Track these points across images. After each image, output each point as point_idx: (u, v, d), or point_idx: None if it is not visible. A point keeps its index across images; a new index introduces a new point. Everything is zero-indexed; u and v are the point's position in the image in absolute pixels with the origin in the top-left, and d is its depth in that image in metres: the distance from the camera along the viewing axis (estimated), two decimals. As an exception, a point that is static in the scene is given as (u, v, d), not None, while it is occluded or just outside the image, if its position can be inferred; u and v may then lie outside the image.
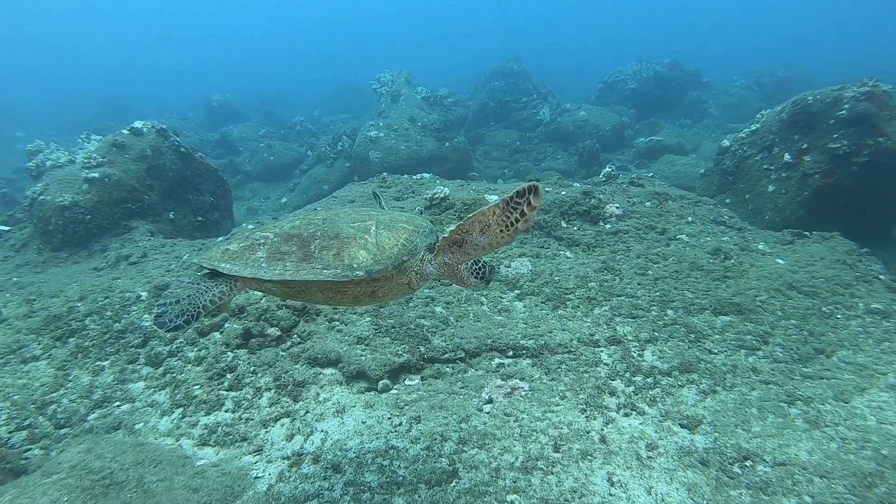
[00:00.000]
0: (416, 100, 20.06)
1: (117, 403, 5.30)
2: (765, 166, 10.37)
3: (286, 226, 3.25)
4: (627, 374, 5.19)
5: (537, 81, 23.93)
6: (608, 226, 7.61)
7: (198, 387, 5.35)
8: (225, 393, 5.27)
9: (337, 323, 5.96)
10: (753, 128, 10.89)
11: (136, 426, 5.00)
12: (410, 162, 16.64)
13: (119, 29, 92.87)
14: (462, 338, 5.67)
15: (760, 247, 7.33)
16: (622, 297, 6.27)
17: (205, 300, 3.01)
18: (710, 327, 5.87)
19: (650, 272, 6.74)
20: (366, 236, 3.08)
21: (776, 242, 7.61)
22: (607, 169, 9.49)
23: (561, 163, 18.57)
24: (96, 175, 9.25)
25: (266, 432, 4.75)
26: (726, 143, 11.36)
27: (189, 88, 46.69)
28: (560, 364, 5.32)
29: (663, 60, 27.03)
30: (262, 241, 3.12)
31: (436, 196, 7.76)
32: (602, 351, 5.50)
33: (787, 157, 9.94)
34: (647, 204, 8.10)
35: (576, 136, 19.86)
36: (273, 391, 5.19)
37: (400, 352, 5.51)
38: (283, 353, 5.63)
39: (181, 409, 5.13)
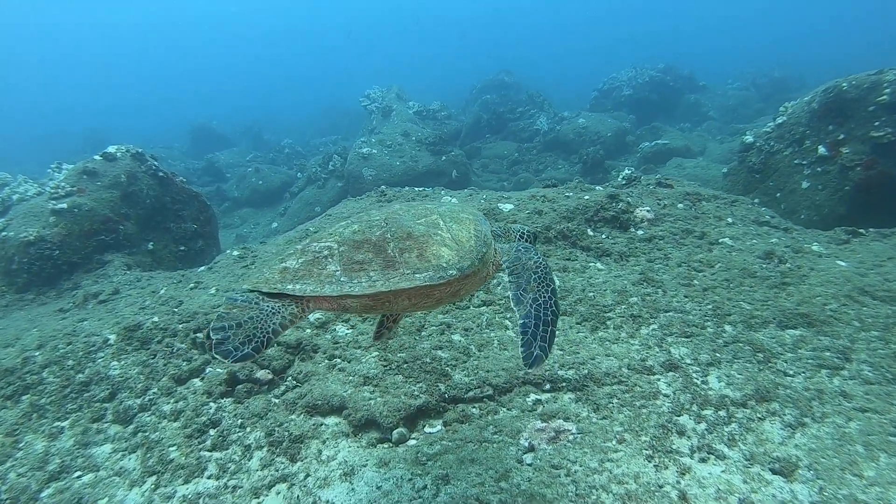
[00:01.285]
0: (408, 114, 19.29)
1: (77, 474, 4.35)
2: (796, 161, 9.53)
3: (345, 232, 2.95)
4: (694, 408, 4.28)
5: (532, 91, 23.22)
6: (640, 232, 6.75)
7: (174, 448, 4.41)
8: (207, 454, 4.33)
9: (338, 360, 5.06)
10: (779, 121, 10.06)
11: (100, 503, 4.06)
12: (406, 178, 15.79)
13: (99, 62, 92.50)
14: (488, 371, 4.76)
15: (815, 248, 6.46)
16: (670, 313, 5.38)
17: (273, 324, 2.60)
18: (779, 344, 4.98)
19: (696, 282, 5.87)
20: (439, 232, 2.93)
21: (829, 242, 6.75)
22: (626, 171, 8.66)
23: (563, 172, 17.75)
24: (65, 206, 8.34)
25: (258, 505, 3.82)
26: (749, 138, 10.54)
27: (175, 119, 45.95)
28: (611, 398, 4.41)
29: (658, 65, 26.45)
30: (327, 252, 2.82)
31: (443, 208, 6.89)
32: (659, 379, 4.60)
33: (821, 149, 9.10)
34: (680, 206, 7.25)
35: (577, 144, 19.08)
36: (265, 449, 4.26)
37: (416, 392, 4.60)
38: (276, 401, 4.71)
39: (154, 478, 4.19)
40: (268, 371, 4.98)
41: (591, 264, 6.21)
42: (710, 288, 5.74)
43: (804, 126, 9.58)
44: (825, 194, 8.94)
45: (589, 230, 6.71)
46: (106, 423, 4.81)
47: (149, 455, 4.37)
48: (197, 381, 5.03)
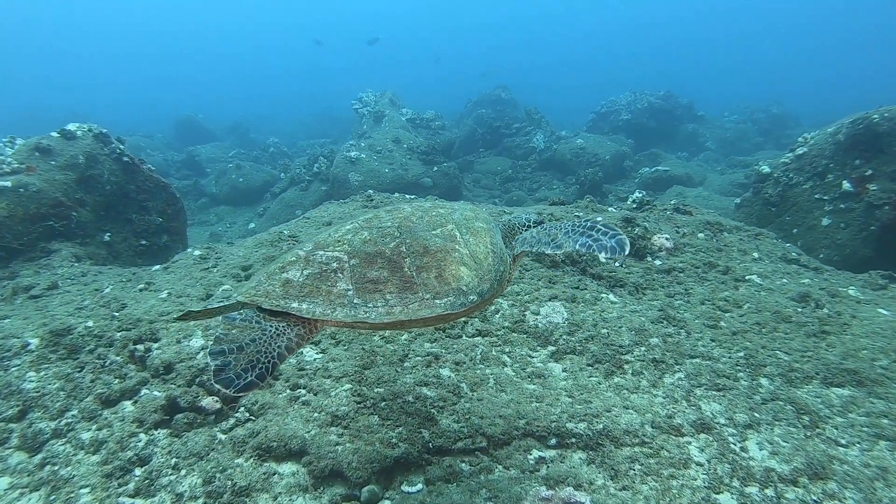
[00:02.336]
0: (400, 121, 18.50)
1: (-43, 515, 3.44)
2: (816, 196, 8.87)
3: (354, 241, 2.69)
4: (736, 483, 3.49)
5: (530, 107, 22.55)
6: (658, 261, 5.99)
7: (87, 490, 3.53)
8: (128, 501, 3.44)
9: (303, 391, 4.20)
10: (799, 152, 9.41)
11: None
12: (394, 186, 14.95)
13: (92, 49, 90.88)
14: (482, 416, 3.94)
15: (851, 293, 5.75)
16: (697, 360, 4.60)
17: (279, 347, 2.37)
18: (826, 405, 4.22)
19: (723, 324, 5.11)
20: (457, 247, 2.72)
21: (865, 287, 6.05)
22: (637, 195, 7.93)
23: (557, 192, 17.03)
24: (8, 184, 7.37)
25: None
26: (766, 168, 9.88)
27: (163, 109, 44.66)
28: (632, 463, 3.61)
29: (658, 92, 26.01)
30: (336, 264, 2.56)
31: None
32: (689, 442, 3.80)
33: (845, 185, 8.44)
34: (700, 235, 6.51)
35: (573, 165, 18.39)
36: (200, 501, 3.38)
37: (394, 438, 3.76)
38: (223, 437, 3.83)
39: (54, 530, 3.30)
40: (216, 399, 4.10)
41: (603, 295, 5.43)
42: (739, 332, 4.98)
43: (827, 159, 8.92)
44: (848, 233, 8.27)
45: (601, 256, 5.94)
46: (9, 448, 3.89)
47: (53, 497, 3.47)
48: (128, 405, 4.13)
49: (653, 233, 6.20)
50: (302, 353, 4.71)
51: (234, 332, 2.37)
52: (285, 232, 6.57)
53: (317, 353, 4.72)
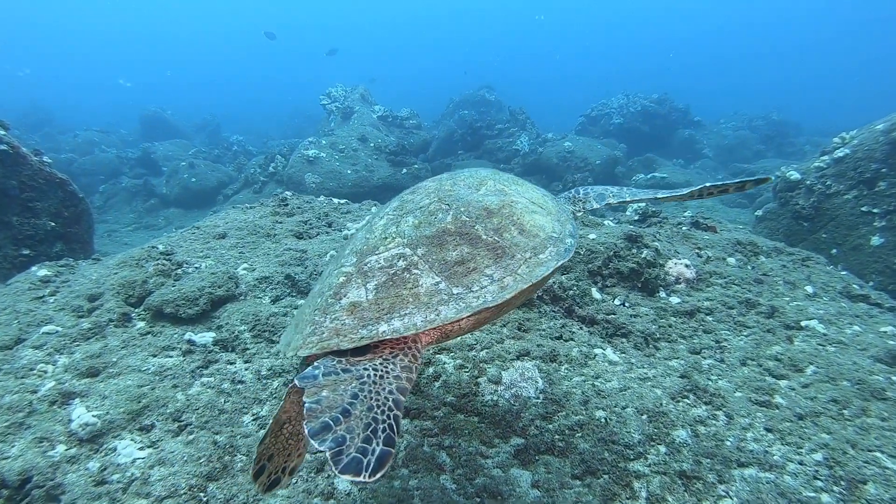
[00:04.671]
0: (370, 118, 16.66)
1: None
2: (863, 209, 7.14)
3: (405, 230, 2.23)
4: None
5: (514, 107, 20.76)
6: (675, 299, 4.23)
7: None
8: None
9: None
10: (839, 154, 7.66)
11: None
12: (357, 190, 13.15)
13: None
14: None
15: (955, 347, 4.01)
16: (750, 470, 2.83)
17: (390, 394, 1.77)
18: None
19: (780, 399, 3.35)
20: (514, 198, 2.39)
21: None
22: (638, 204, 6.16)
23: (543, 200, 15.26)
24: None
25: None
26: (795, 175, 8.12)
27: (135, 106, 42.56)
28: None
29: (651, 95, 24.30)
30: (402, 262, 2.08)
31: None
32: None
33: (901, 195, 6.74)
34: (731, 260, 4.76)
35: (560, 170, 16.60)
36: None
37: None
38: None
39: None
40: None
41: (597, 351, 3.65)
42: (808, 415, 3.22)
43: (878, 162, 7.18)
44: (906, 256, 6.55)
45: (594, 290, 4.18)
46: None
47: None
48: None
49: (667, 257, 4.44)
50: (114, 446, 2.93)
51: (324, 394, 1.71)
52: (159, 247, 4.75)
53: (137, 448, 2.92)
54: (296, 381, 1.81)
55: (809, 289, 4.51)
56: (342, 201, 6.07)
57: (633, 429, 3.03)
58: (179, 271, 4.38)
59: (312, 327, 2.02)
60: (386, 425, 1.69)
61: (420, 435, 3.08)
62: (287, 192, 6.12)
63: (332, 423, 1.64)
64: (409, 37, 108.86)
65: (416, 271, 2.05)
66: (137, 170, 21.12)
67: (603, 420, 3.08)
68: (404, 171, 14.13)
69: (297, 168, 13.51)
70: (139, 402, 3.19)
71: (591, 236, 4.60)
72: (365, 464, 1.56)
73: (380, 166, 14.13)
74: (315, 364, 1.88)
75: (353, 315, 1.96)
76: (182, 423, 3.10)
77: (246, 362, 3.66)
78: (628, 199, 2.86)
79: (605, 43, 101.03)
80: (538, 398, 3.25)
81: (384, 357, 1.92)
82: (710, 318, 4.06)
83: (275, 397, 3.37)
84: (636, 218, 6.06)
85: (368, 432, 1.64)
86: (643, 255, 4.32)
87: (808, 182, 7.88)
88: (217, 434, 3.03)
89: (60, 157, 20.81)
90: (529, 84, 63.14)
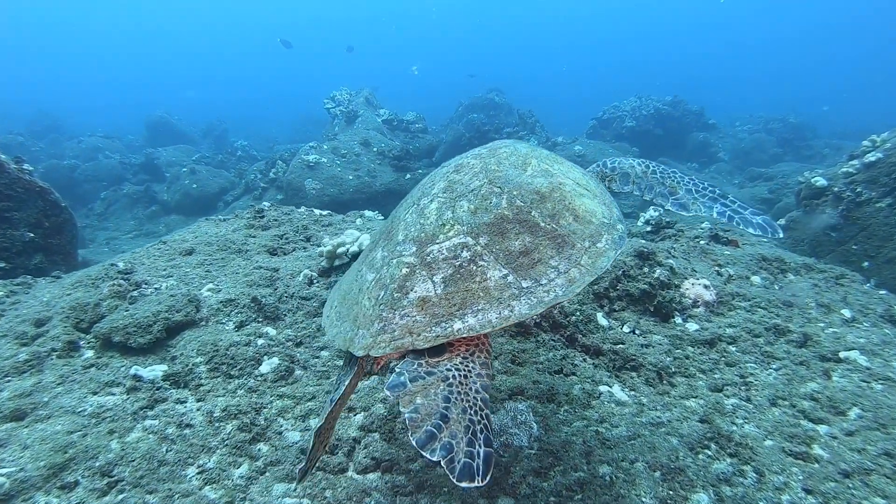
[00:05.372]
0: (375, 122, 16.21)
1: None
2: (899, 218, 6.57)
3: (462, 216, 2.11)
4: None
5: (524, 110, 20.24)
6: (692, 325, 3.71)
7: None
8: None
9: None
10: (870, 158, 7.08)
11: None
12: (359, 196, 12.69)
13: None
14: None
15: None
16: (788, 550, 2.33)
17: (476, 393, 1.80)
18: None
19: (819, 450, 2.83)
20: (562, 180, 2.28)
21: None
22: (651, 213, 5.67)
23: (551, 206, 14.74)
24: None
25: None
26: (821, 181, 7.54)
27: (144, 113, 42.52)
28: None
29: (665, 98, 23.67)
30: (467, 252, 1.99)
31: (342, 246, 3.84)
32: None
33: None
34: (755, 279, 4.24)
35: (570, 175, 16.07)
36: None
37: None
38: None
39: None
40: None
41: (602, 388, 3.16)
42: (855, 472, 2.70)
43: (916, 167, 6.60)
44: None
45: (599, 315, 3.67)
46: None
47: None
48: None
49: (683, 276, 3.92)
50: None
51: (418, 401, 1.71)
52: (119, 265, 4.30)
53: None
54: (386, 392, 1.78)
55: (847, 312, 3.98)
56: (325, 212, 5.60)
57: (644, 490, 2.53)
58: (136, 293, 3.93)
59: (381, 324, 1.93)
60: (482, 426, 1.72)
61: (391, 493, 2.60)
62: (265, 203, 5.67)
63: (435, 430, 1.66)
64: (419, 38, 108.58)
65: (482, 263, 1.97)
66: (140, 176, 20.83)
67: (608, 478, 2.58)
68: (408, 176, 13.65)
69: (298, 174, 13.07)
70: (65, 452, 2.74)
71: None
72: (475, 468, 1.59)
73: (383, 171, 13.66)
74: (398, 370, 1.85)
75: (424, 311, 1.89)
76: (112, 480, 2.64)
77: (199, 401, 3.20)
78: (645, 196, 2.73)
79: (612, 44, 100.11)
80: (532, 448, 2.76)
81: (462, 356, 1.90)
82: (734, 349, 3.54)
83: (226, 444, 2.90)
84: (648, 229, 5.56)
85: (469, 435, 1.67)
86: (656, 275, 3.81)
87: (835, 188, 7.30)
88: (150, 494, 2.57)
89: (63, 164, 20.59)
90: (538, 83, 62.58)
